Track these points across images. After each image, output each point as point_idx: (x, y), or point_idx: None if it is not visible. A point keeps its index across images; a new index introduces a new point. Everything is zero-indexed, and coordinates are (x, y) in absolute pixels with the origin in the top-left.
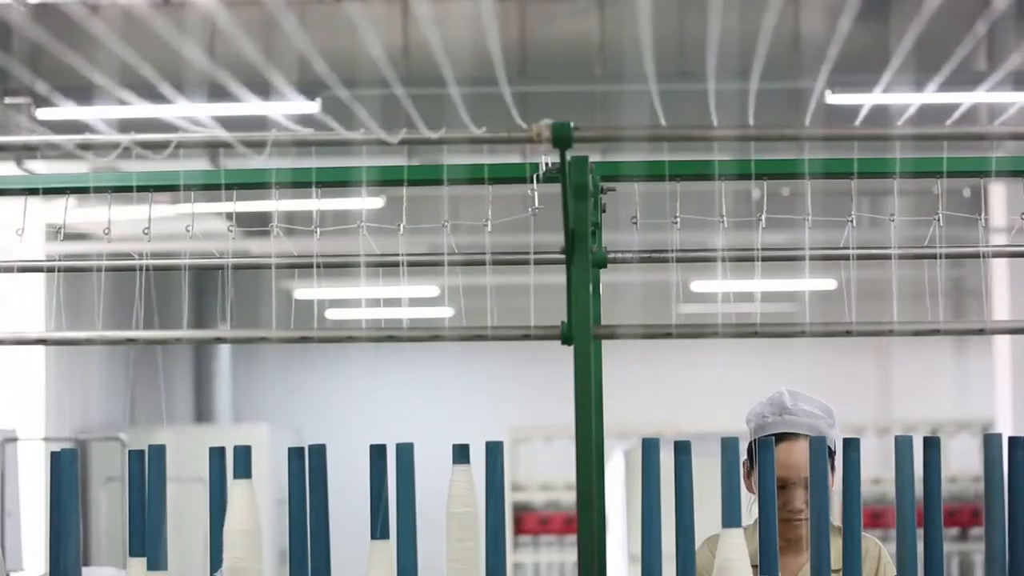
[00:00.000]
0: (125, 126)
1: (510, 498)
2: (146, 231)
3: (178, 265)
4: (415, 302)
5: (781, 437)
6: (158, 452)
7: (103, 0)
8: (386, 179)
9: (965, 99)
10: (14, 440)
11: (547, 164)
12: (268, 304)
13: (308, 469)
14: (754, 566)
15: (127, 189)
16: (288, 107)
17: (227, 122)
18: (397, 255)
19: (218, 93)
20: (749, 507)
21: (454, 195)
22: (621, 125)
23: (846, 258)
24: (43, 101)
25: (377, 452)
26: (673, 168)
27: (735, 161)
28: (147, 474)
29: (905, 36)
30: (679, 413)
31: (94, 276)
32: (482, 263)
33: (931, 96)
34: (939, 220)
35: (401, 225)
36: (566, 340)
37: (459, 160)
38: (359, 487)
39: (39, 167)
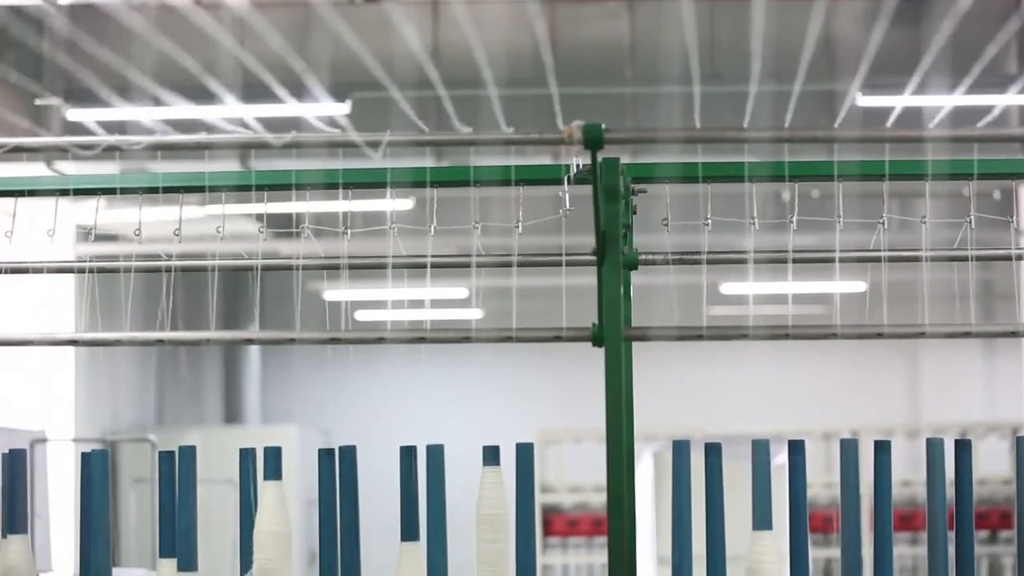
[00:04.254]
0: (156, 127)
1: (539, 500)
2: (176, 232)
3: (208, 266)
4: (445, 304)
5: None
6: (188, 453)
7: (135, 1)
8: (416, 180)
9: (996, 101)
10: (43, 441)
11: (578, 166)
12: (297, 305)
13: (338, 470)
14: None
15: (157, 190)
16: (318, 108)
17: (257, 123)
18: (426, 256)
19: (249, 94)
20: None
21: (484, 196)
22: (652, 127)
23: (877, 260)
24: (74, 102)
25: (407, 454)
26: (704, 170)
27: (766, 163)
28: (177, 475)
29: (936, 39)
30: (709, 415)
31: (124, 277)
32: (512, 265)
33: (962, 98)
34: (970, 222)
35: (431, 226)
36: (597, 342)
37: (489, 161)
38: (389, 488)
39: (69, 168)
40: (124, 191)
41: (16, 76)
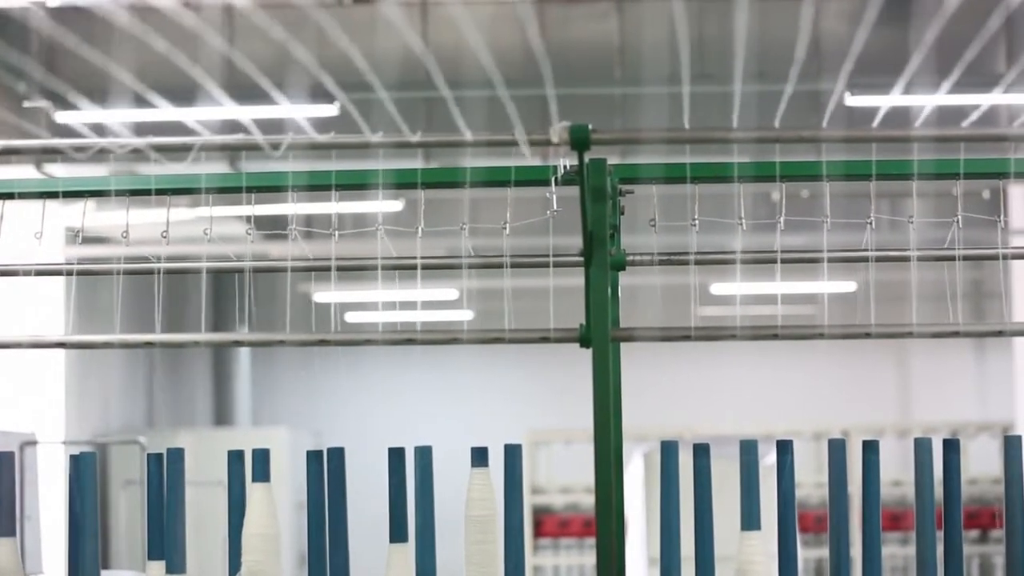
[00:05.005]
0: (144, 129)
1: (530, 501)
2: (164, 234)
3: (197, 268)
4: (434, 305)
5: None
6: (177, 455)
7: (123, 2)
8: (404, 182)
9: (984, 100)
10: (33, 443)
11: (565, 167)
12: (286, 307)
13: (327, 472)
14: None
15: (145, 192)
16: (307, 110)
17: (245, 126)
18: (415, 258)
19: (238, 96)
20: None
21: (473, 198)
22: (640, 128)
23: (865, 260)
24: (62, 104)
25: (396, 455)
26: (691, 170)
27: (754, 163)
28: (166, 477)
29: (924, 38)
30: (698, 416)
31: (112, 280)
32: (500, 266)
33: (950, 97)
34: (958, 222)
35: (419, 228)
36: (584, 343)
37: (477, 163)
38: (378, 490)
39: (58, 170)
40: (113, 193)
41: (3, 79)
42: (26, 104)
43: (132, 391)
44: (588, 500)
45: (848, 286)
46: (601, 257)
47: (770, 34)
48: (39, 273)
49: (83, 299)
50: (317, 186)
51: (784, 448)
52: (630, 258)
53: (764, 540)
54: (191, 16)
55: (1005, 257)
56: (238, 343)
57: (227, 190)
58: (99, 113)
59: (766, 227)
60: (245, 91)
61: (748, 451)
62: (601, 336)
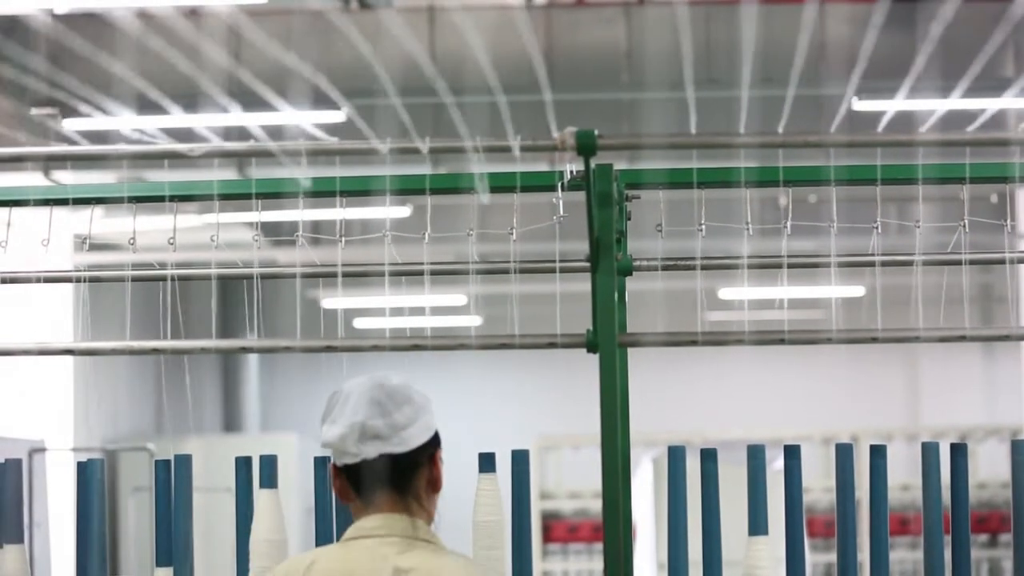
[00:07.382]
0: (151, 136)
1: (539, 506)
2: (171, 241)
3: (206, 275)
4: (443, 311)
5: None
6: (184, 462)
7: (130, 7)
8: (411, 187)
9: (991, 104)
10: (42, 450)
11: (572, 172)
12: (294, 313)
13: None
14: None
15: (153, 199)
16: (314, 116)
17: (252, 132)
18: (422, 264)
19: (245, 102)
20: None
21: (480, 203)
22: (647, 132)
23: (872, 265)
24: (70, 111)
25: None
26: (698, 175)
27: (760, 168)
28: (174, 484)
29: (930, 42)
30: (706, 421)
31: (120, 286)
32: (507, 271)
33: (956, 102)
34: (965, 226)
35: (426, 234)
36: (591, 348)
37: (483, 168)
38: None
39: (67, 177)
40: (117, 200)
41: (10, 86)
42: (33, 111)
43: (140, 398)
44: (597, 505)
45: (855, 290)
46: (608, 262)
47: (776, 39)
48: (47, 280)
49: (91, 306)
50: (324, 192)
51: (792, 453)
52: (637, 263)
53: (772, 545)
54: (197, 23)
55: (1012, 261)
56: (245, 350)
57: (235, 196)
58: (105, 120)
59: (773, 232)
60: (251, 97)
61: (756, 456)
62: (608, 341)
